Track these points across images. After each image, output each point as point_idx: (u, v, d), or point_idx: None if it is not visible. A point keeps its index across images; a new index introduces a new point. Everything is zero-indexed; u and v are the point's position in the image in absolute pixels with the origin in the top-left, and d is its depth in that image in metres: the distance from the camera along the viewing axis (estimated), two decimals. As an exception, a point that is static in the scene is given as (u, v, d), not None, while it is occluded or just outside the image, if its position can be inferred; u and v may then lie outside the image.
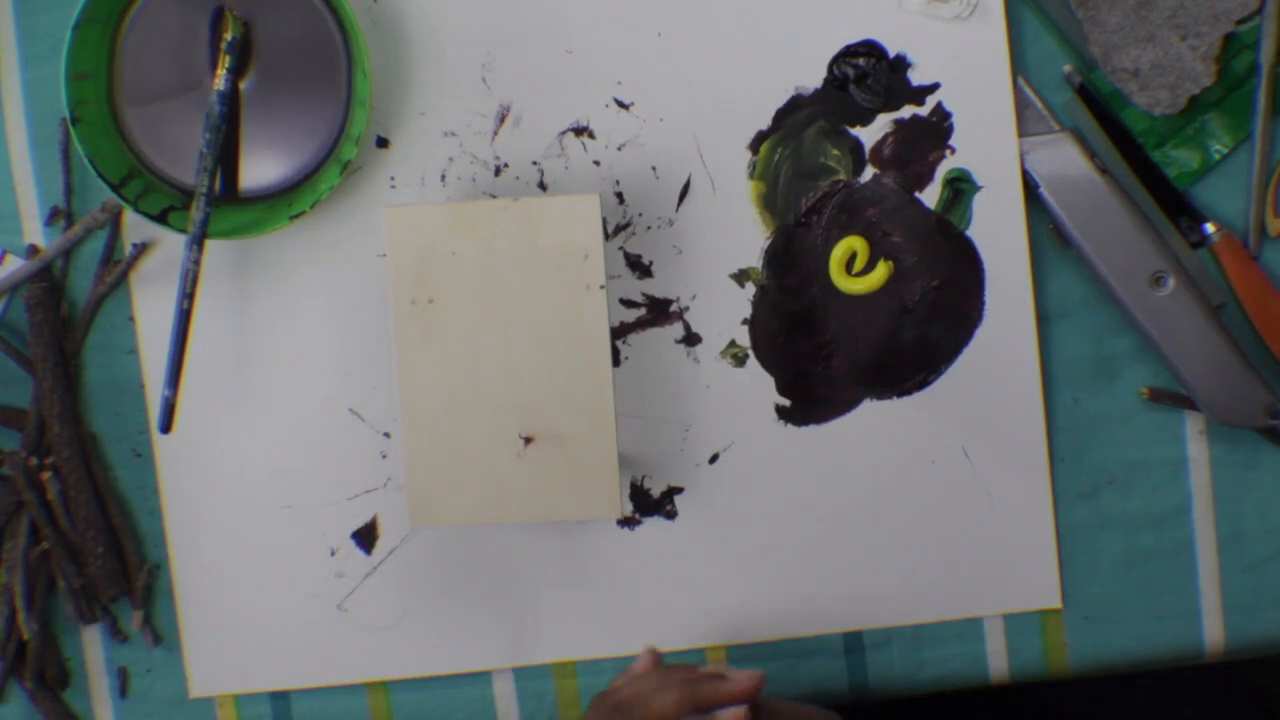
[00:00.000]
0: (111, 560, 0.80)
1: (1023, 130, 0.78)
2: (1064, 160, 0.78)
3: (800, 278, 0.79)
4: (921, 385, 0.80)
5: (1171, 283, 0.77)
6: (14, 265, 0.80)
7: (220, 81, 0.75)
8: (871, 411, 0.80)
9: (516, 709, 0.82)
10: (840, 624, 0.80)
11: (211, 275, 0.80)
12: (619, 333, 0.79)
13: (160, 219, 0.76)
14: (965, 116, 0.78)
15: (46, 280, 0.79)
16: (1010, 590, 0.80)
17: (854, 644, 0.81)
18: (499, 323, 0.73)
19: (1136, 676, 0.83)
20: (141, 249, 0.79)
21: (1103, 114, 0.78)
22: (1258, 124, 0.78)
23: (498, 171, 0.79)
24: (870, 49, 0.78)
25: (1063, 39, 0.78)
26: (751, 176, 0.79)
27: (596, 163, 0.79)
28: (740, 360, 0.80)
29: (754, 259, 0.79)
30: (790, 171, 0.79)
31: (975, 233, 0.79)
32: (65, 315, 0.80)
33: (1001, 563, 0.80)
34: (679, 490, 0.80)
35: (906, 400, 0.80)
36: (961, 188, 0.79)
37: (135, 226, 0.79)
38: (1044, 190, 0.78)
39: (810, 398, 0.80)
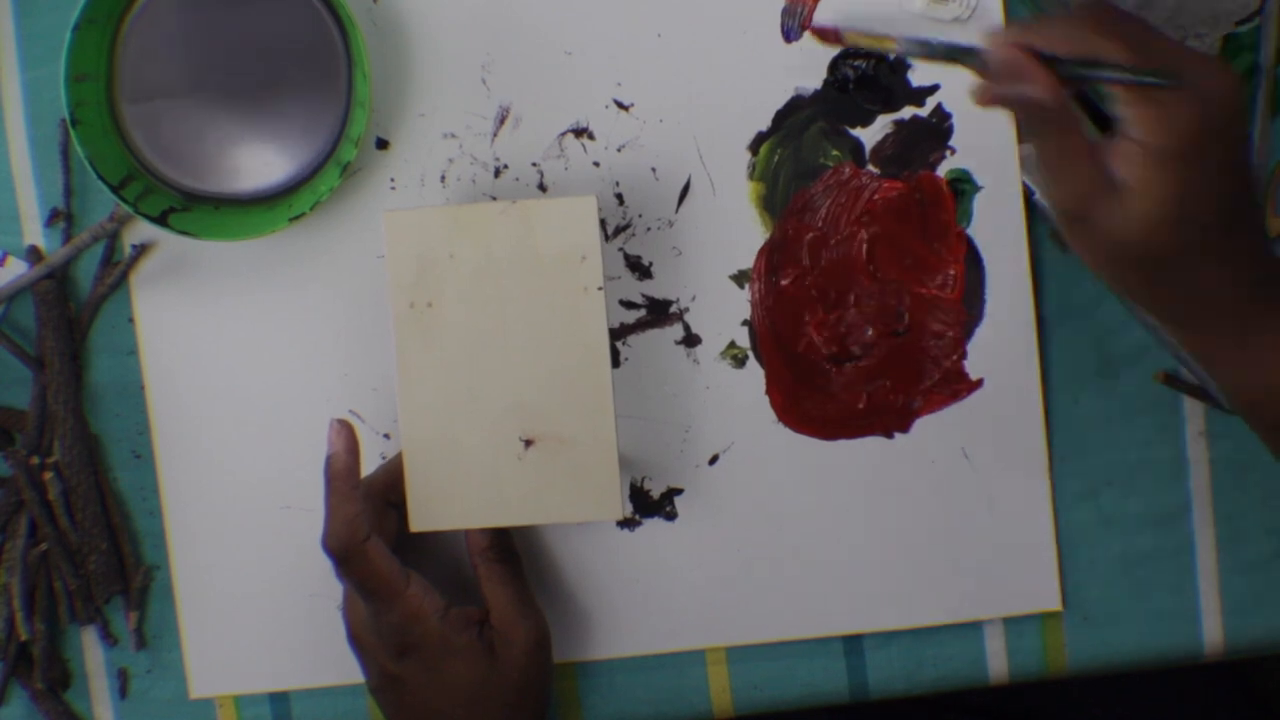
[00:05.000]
0: (111, 561, 0.80)
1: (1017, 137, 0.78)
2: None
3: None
4: (921, 386, 0.80)
5: (1175, 276, 0.77)
6: (15, 267, 0.80)
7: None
8: (871, 412, 0.80)
9: (516, 709, 0.82)
10: (839, 626, 0.80)
11: (211, 277, 0.80)
12: (618, 334, 0.79)
13: (160, 221, 0.76)
14: (965, 117, 0.78)
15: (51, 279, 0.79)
16: (1010, 592, 0.80)
17: (853, 645, 0.81)
18: (498, 326, 0.73)
19: (1136, 676, 0.83)
20: (141, 250, 0.79)
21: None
22: (1257, 125, 0.78)
23: (497, 173, 0.79)
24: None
25: (1063, 40, 0.78)
26: (751, 177, 0.79)
27: (596, 164, 0.79)
28: (740, 361, 0.80)
29: (753, 260, 0.79)
30: (790, 172, 0.79)
31: (975, 232, 0.79)
32: (72, 313, 0.80)
33: (1001, 564, 0.80)
34: (679, 491, 0.80)
35: (906, 401, 0.80)
36: (962, 188, 0.79)
37: (135, 228, 0.79)
38: (1039, 197, 0.78)
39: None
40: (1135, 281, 0.64)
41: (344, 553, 0.71)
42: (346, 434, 0.73)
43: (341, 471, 0.72)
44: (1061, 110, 0.61)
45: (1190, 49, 0.61)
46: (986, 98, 0.63)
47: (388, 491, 0.75)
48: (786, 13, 0.78)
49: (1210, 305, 0.64)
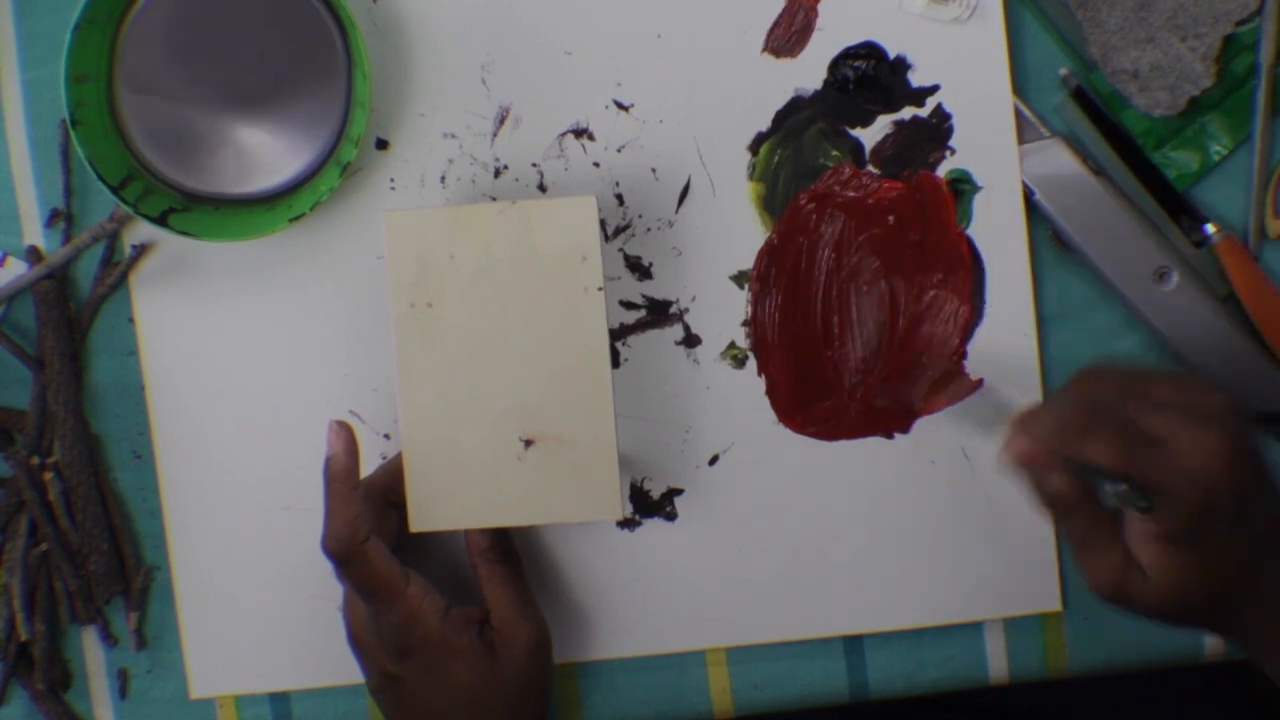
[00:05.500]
0: (111, 561, 0.80)
1: (1017, 138, 0.79)
2: (1057, 165, 0.78)
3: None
4: (921, 386, 0.80)
5: (1176, 278, 0.77)
6: (15, 267, 0.80)
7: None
8: (871, 413, 0.80)
9: (517, 709, 0.82)
10: (839, 627, 0.80)
11: (212, 277, 0.80)
12: (619, 334, 0.79)
13: (160, 221, 0.76)
14: (965, 117, 0.78)
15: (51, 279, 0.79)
16: (1010, 593, 0.80)
17: (853, 646, 0.81)
18: (498, 326, 0.73)
19: (1136, 677, 0.83)
20: (141, 250, 0.79)
21: (1098, 116, 0.78)
22: (1257, 125, 0.78)
23: (497, 173, 0.79)
24: (870, 51, 0.78)
25: (1062, 40, 0.78)
26: (751, 178, 0.79)
27: (596, 164, 0.79)
28: (740, 361, 0.80)
29: (753, 260, 0.79)
30: (790, 173, 0.79)
31: (975, 233, 0.79)
32: (72, 313, 0.80)
33: (1001, 564, 0.80)
34: (679, 492, 0.80)
35: (906, 401, 0.80)
36: (962, 188, 0.79)
37: (135, 228, 0.79)
38: (1040, 197, 0.78)
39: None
40: (1187, 624, 0.65)
41: (343, 554, 0.71)
42: (346, 435, 0.72)
43: (340, 473, 0.72)
44: (1079, 503, 0.63)
45: (1178, 404, 0.62)
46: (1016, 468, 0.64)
47: (388, 492, 0.75)
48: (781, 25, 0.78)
49: (1269, 618, 0.64)
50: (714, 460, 0.80)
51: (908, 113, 0.79)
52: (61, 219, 0.80)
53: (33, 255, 0.80)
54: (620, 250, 0.79)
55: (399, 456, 0.74)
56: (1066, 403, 0.63)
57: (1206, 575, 0.62)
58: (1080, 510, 0.63)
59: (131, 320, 0.80)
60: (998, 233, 0.79)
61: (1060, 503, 0.63)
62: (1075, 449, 0.61)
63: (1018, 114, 0.78)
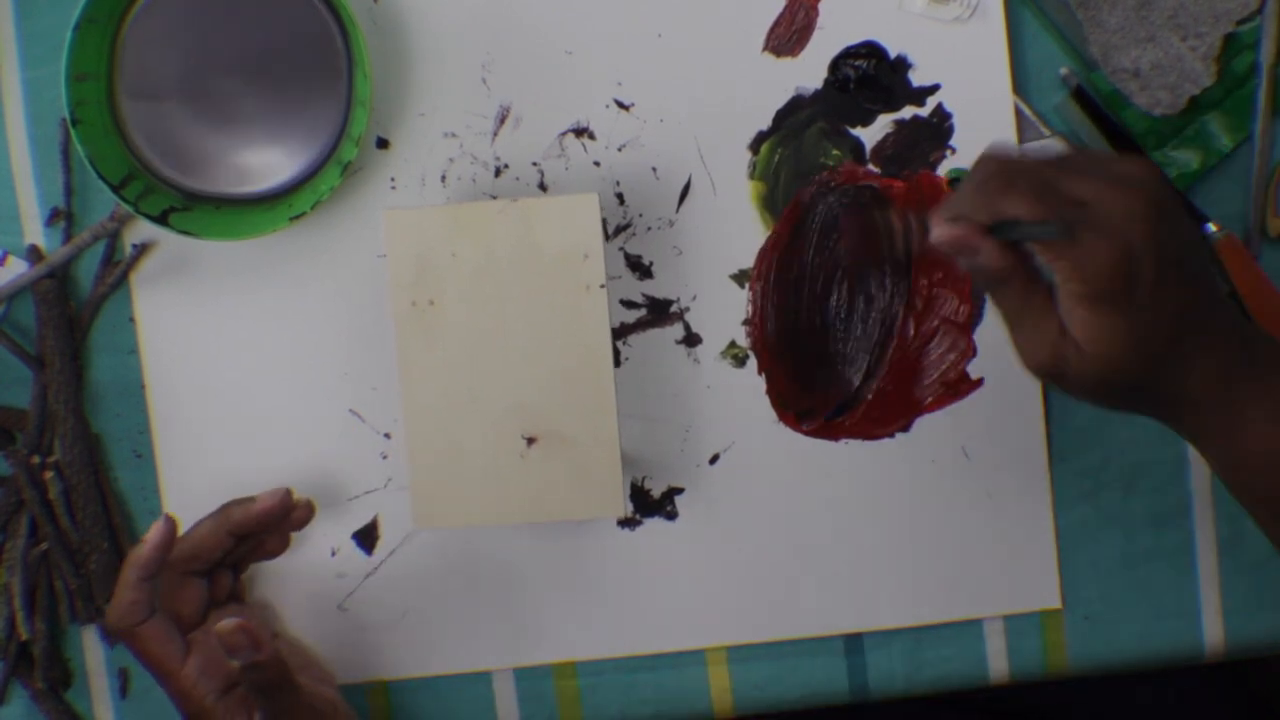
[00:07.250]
0: (111, 561, 0.80)
1: (1018, 137, 0.79)
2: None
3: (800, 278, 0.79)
4: (922, 386, 0.80)
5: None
6: (15, 266, 0.80)
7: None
8: (872, 412, 0.80)
9: (516, 709, 0.82)
10: (840, 625, 0.80)
11: (212, 276, 0.80)
12: (619, 333, 0.79)
13: (160, 220, 0.76)
14: (966, 117, 0.78)
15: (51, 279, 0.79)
16: (1010, 591, 0.80)
17: (854, 645, 0.81)
18: (500, 324, 0.73)
19: (1136, 676, 0.83)
20: (141, 250, 0.79)
21: (1099, 115, 0.78)
22: (1258, 124, 0.78)
23: (498, 172, 0.79)
24: (871, 50, 0.78)
25: (1063, 40, 0.79)
26: (752, 177, 0.79)
27: (597, 163, 0.79)
28: (740, 361, 0.80)
29: (754, 259, 0.79)
30: (790, 172, 0.79)
31: (975, 233, 0.79)
32: (72, 312, 0.80)
33: (1001, 563, 0.80)
34: (679, 491, 0.80)
35: (907, 401, 0.80)
36: (962, 188, 0.79)
37: (135, 227, 0.79)
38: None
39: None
40: (1120, 403, 0.64)
41: (116, 634, 0.73)
42: (165, 531, 0.72)
43: (134, 561, 0.72)
44: (1012, 274, 0.61)
45: (1098, 171, 0.61)
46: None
47: (189, 562, 0.75)
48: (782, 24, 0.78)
49: (1196, 394, 0.63)
50: (714, 459, 0.80)
51: (908, 112, 0.79)
52: (62, 218, 0.80)
53: (33, 254, 0.80)
54: (621, 249, 0.79)
55: (204, 522, 0.75)
56: (986, 170, 0.62)
57: (1135, 343, 0.60)
58: (1014, 281, 0.61)
59: (132, 319, 0.80)
60: (998, 232, 0.79)
61: (993, 274, 0.61)
62: (996, 207, 0.60)
63: (1018, 113, 0.78)
